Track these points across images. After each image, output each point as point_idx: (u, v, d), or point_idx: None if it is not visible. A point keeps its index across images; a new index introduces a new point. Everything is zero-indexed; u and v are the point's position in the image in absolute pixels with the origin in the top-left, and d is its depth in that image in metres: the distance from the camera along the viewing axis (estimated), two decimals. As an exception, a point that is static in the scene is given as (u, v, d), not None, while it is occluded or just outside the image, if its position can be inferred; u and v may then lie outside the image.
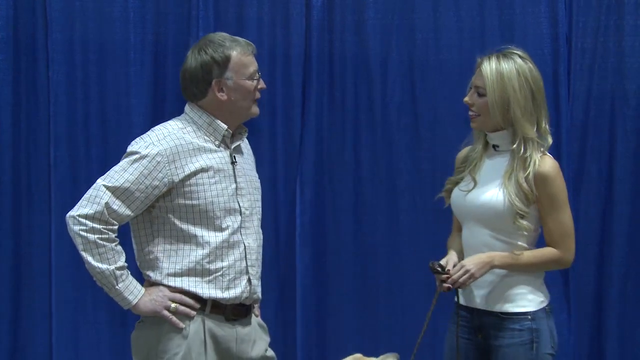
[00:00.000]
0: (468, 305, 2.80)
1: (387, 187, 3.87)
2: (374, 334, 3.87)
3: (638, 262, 3.80)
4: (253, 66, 2.74)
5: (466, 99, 2.80)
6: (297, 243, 3.86)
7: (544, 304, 2.76)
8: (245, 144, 2.87)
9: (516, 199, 2.67)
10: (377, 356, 2.92)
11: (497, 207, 2.70)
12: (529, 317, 2.72)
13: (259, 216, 2.80)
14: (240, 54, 2.71)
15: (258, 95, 2.76)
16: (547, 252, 2.73)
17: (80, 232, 2.58)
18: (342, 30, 3.85)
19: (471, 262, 2.69)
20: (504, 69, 2.71)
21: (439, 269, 2.75)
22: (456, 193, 2.82)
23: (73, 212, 2.60)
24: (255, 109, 2.77)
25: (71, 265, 3.69)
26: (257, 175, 2.87)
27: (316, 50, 3.85)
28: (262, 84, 2.78)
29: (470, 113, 2.79)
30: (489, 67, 2.72)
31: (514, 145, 2.72)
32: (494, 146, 2.80)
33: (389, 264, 3.85)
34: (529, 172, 2.69)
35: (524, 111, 2.70)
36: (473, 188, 2.77)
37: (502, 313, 2.73)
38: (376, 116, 3.86)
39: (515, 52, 2.77)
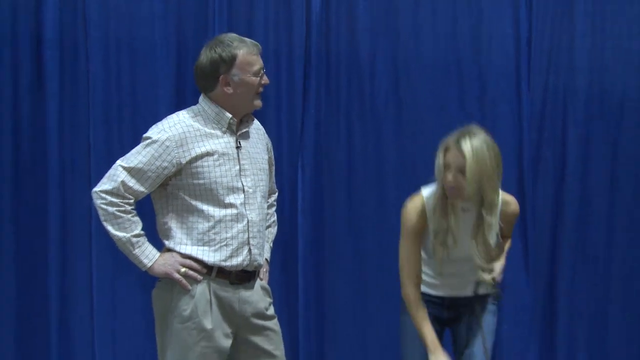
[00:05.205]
0: (444, 295, 2.98)
1: (375, 167, 4.08)
2: (368, 294, 4.09)
3: (585, 228, 4.15)
4: (258, 64, 2.78)
5: (450, 179, 2.71)
6: (299, 217, 4.04)
7: None
8: (257, 130, 2.93)
9: (482, 260, 2.82)
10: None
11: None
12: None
13: (263, 193, 2.86)
14: (246, 53, 2.76)
15: (261, 89, 2.82)
16: (507, 245, 3.08)
17: (101, 205, 2.71)
18: (337, 33, 4.04)
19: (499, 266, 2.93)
20: (479, 147, 2.68)
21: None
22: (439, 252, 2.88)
23: (96, 188, 2.74)
24: (258, 102, 2.82)
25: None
26: (266, 157, 2.92)
27: (315, 49, 4.04)
28: (265, 80, 2.81)
29: (452, 191, 2.74)
30: (467, 147, 2.67)
31: (482, 210, 2.75)
32: (463, 208, 2.84)
33: (378, 231, 4.05)
34: (497, 227, 2.83)
35: (495, 184, 2.74)
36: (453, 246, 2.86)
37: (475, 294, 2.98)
38: (365, 106, 4.07)
39: (473, 130, 2.75)
